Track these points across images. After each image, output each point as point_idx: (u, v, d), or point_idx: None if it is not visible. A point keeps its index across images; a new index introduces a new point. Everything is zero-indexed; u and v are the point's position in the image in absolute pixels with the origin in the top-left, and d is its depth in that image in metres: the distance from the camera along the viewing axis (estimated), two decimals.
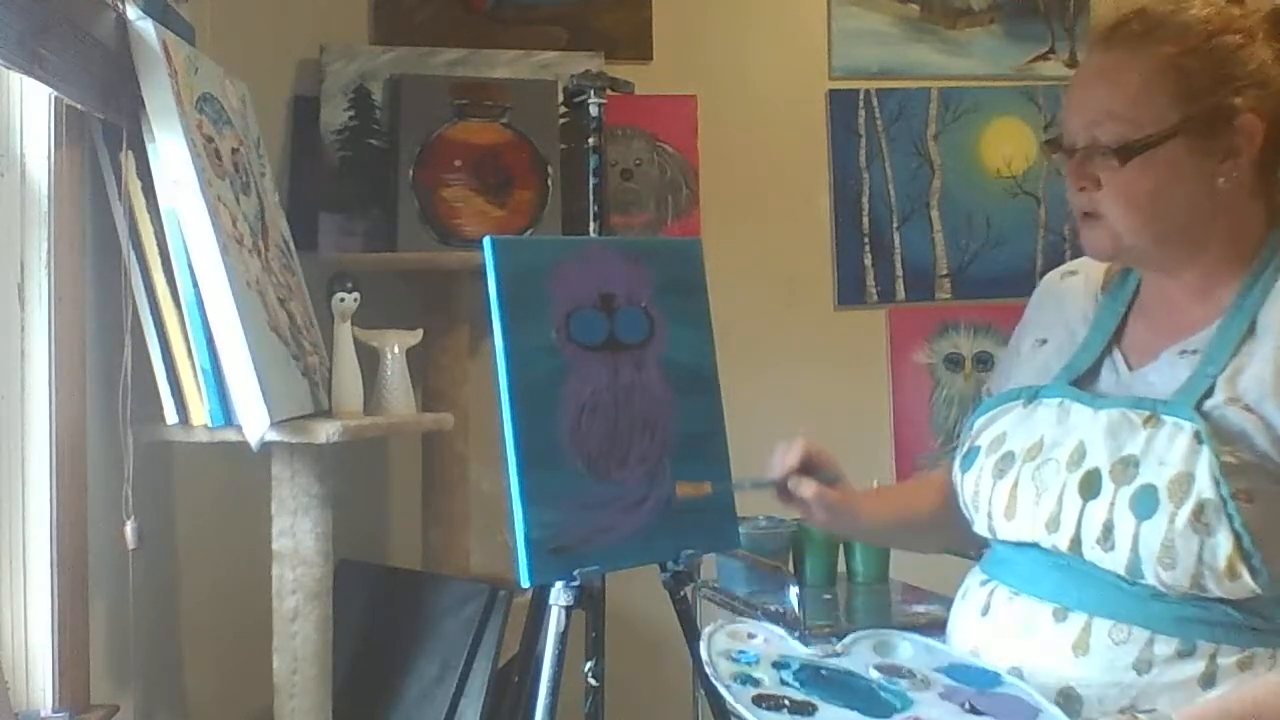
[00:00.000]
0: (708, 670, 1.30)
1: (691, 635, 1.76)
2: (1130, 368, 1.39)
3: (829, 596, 2.38)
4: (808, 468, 1.50)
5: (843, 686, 1.30)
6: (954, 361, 3.16)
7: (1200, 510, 1.22)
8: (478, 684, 2.23)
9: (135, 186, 1.87)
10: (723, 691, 1.26)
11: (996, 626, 1.38)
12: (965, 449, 1.48)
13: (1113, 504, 1.28)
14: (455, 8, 2.91)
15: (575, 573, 1.46)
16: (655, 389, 1.57)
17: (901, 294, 3.15)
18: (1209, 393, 1.28)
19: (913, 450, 3.12)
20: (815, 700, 1.26)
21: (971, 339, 3.16)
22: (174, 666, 2.28)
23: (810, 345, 3.08)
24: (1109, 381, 1.40)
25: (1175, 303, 1.39)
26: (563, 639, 1.51)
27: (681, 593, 1.67)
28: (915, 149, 3.17)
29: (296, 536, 2.03)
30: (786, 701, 1.25)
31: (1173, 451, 1.26)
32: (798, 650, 1.38)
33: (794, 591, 2.16)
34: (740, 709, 1.24)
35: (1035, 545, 1.37)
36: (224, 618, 2.37)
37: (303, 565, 2.04)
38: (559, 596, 1.49)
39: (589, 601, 1.52)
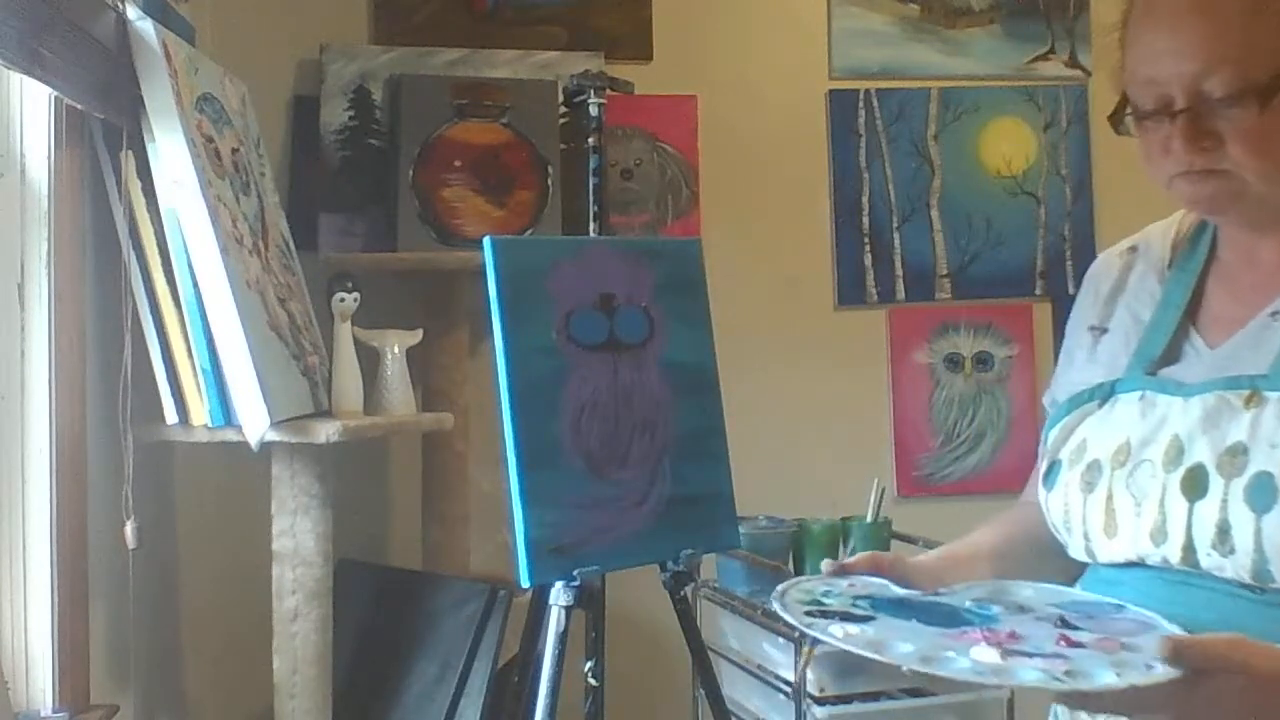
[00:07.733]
0: (775, 600, 1.16)
1: (691, 635, 1.76)
2: (1211, 345, 1.22)
3: None
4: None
5: (919, 609, 1.15)
6: (954, 361, 3.15)
7: None
8: (478, 684, 2.23)
9: (135, 186, 1.87)
10: (775, 606, 1.14)
11: None
12: (1045, 466, 1.31)
13: (1225, 501, 1.12)
14: (455, 8, 2.91)
15: (575, 573, 1.46)
16: (655, 389, 1.57)
17: (901, 294, 3.15)
18: None
19: (913, 451, 3.11)
20: (877, 615, 1.13)
21: (971, 339, 3.16)
22: (174, 666, 2.27)
23: (810, 345, 3.08)
24: (1191, 363, 1.23)
25: (1262, 263, 1.22)
26: (563, 639, 1.51)
27: (681, 593, 1.67)
28: (915, 149, 3.17)
29: (296, 536, 2.03)
30: (840, 613, 1.12)
31: None
32: (893, 591, 1.21)
33: None
34: (787, 616, 1.12)
35: (1142, 564, 1.20)
36: (224, 618, 2.37)
37: (303, 565, 2.03)
38: (559, 596, 1.49)
39: (589, 601, 1.52)
